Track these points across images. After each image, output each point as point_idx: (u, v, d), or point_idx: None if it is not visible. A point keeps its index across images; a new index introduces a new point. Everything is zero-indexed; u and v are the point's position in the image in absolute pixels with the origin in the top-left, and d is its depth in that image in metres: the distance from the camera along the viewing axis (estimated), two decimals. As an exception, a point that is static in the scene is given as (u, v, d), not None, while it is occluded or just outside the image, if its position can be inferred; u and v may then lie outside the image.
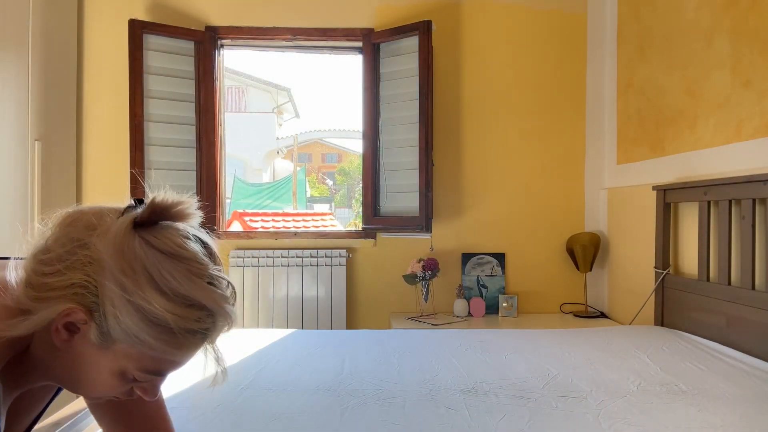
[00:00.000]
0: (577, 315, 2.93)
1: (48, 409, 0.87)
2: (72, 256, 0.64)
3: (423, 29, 2.86)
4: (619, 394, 1.40)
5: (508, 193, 3.12)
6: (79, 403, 1.17)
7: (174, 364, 0.69)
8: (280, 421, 1.23)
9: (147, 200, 0.67)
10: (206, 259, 0.67)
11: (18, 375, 0.69)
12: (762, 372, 1.58)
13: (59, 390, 0.84)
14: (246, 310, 2.97)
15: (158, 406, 0.89)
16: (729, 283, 1.88)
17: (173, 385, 1.46)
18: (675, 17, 2.32)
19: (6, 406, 0.69)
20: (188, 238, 0.67)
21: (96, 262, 0.63)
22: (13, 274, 0.67)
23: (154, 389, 0.73)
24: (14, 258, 0.70)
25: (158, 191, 0.68)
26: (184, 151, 2.96)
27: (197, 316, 0.65)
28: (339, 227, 7.75)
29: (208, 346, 0.71)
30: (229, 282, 0.70)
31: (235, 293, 0.71)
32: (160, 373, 0.70)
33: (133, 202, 0.69)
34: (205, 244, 0.69)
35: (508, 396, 1.39)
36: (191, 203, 0.69)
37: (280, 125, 13.68)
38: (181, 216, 0.68)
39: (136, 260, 0.62)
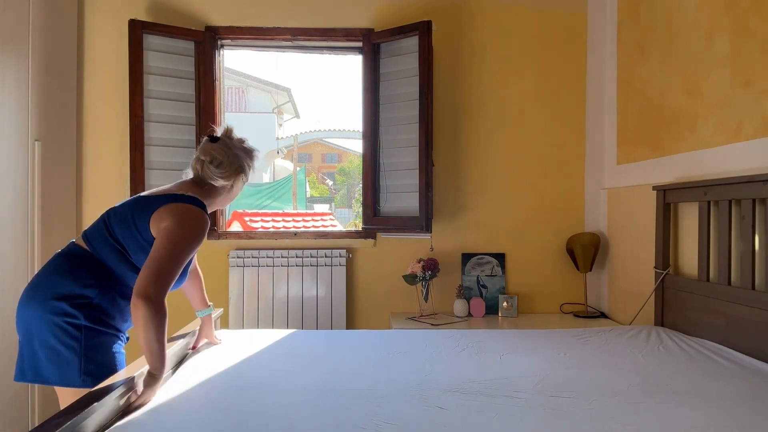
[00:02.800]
0: (577, 315, 2.93)
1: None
2: (229, 158, 1.63)
3: (423, 29, 2.86)
4: (612, 394, 1.41)
5: (508, 193, 3.12)
6: (79, 403, 1.18)
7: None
8: (278, 421, 1.23)
9: (220, 133, 1.69)
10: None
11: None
12: (757, 372, 1.58)
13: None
14: (246, 310, 2.97)
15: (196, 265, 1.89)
16: (729, 283, 1.88)
17: (173, 387, 1.46)
18: (675, 17, 2.32)
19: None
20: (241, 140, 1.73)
21: (237, 155, 1.65)
22: (189, 182, 1.65)
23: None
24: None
25: (220, 127, 1.71)
26: (184, 151, 2.95)
27: (256, 158, 1.74)
28: (339, 227, 7.75)
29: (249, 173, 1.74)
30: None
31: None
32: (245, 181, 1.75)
33: (209, 136, 1.67)
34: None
35: (500, 395, 1.39)
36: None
37: (280, 125, 13.68)
38: (232, 133, 1.71)
39: (246, 150, 1.71)
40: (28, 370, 1.43)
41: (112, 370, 1.45)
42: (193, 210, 1.50)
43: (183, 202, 1.50)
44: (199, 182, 1.62)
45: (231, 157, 1.63)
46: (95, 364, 1.43)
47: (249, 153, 1.70)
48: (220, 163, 1.61)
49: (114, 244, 1.49)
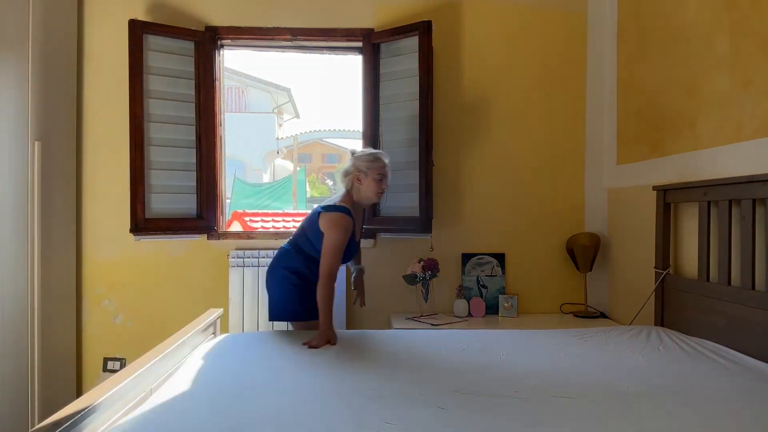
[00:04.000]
0: (577, 315, 2.93)
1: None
2: (346, 166, 2.34)
3: (423, 29, 2.86)
4: (612, 394, 1.40)
5: (508, 193, 3.12)
6: (79, 403, 1.18)
7: (384, 169, 2.32)
8: (277, 421, 1.23)
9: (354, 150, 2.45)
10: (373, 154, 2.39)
11: (353, 210, 2.29)
12: (757, 372, 1.58)
13: (364, 211, 2.55)
14: (246, 311, 2.97)
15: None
16: (729, 283, 1.88)
17: (171, 388, 1.46)
18: (675, 17, 2.32)
19: (355, 223, 2.31)
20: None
21: (351, 161, 2.34)
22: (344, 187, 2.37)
23: (384, 184, 2.32)
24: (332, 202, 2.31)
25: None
26: (184, 151, 2.96)
27: (372, 157, 2.33)
28: (339, 227, 7.72)
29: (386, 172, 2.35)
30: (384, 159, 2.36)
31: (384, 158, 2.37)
32: (384, 176, 2.32)
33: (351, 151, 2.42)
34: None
35: (501, 396, 1.39)
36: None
37: (280, 125, 13.68)
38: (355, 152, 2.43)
39: (364, 158, 2.33)
40: (272, 313, 2.31)
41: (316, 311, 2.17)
42: (335, 215, 2.22)
43: (330, 211, 2.24)
44: (348, 191, 2.36)
45: (347, 164, 2.34)
46: (305, 308, 2.24)
47: (362, 155, 2.34)
48: (342, 173, 2.38)
49: (306, 236, 2.31)
